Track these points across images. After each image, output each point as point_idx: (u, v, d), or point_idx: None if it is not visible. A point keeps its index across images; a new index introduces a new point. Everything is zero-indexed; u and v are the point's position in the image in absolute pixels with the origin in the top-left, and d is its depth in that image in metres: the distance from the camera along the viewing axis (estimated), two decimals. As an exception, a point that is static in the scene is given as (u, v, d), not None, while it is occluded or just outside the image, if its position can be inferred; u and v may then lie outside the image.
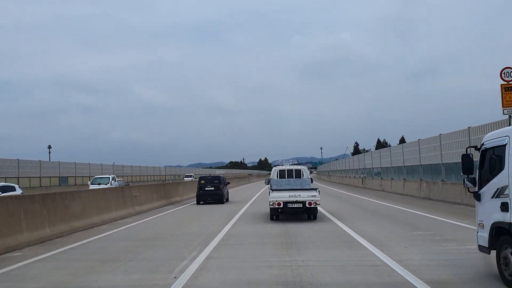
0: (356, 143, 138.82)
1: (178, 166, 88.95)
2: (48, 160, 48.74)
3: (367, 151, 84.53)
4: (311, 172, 32.81)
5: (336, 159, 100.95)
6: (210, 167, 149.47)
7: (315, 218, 15.93)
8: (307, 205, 15.39)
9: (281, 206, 15.49)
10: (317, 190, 15.87)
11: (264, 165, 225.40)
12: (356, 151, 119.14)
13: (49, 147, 59.78)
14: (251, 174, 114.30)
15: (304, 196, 15.56)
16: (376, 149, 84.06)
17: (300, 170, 18.25)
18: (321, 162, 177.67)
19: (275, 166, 22.03)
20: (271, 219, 16.05)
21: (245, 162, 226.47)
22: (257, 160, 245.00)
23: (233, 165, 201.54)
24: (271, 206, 15.64)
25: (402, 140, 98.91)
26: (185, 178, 71.35)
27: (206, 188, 25.59)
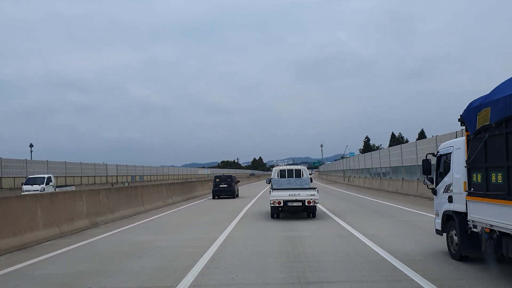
0: (366, 137, 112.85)
1: (172, 166, 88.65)
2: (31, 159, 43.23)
3: (378, 147, 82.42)
4: (311, 173, 35.14)
5: (342, 157, 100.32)
6: (203, 167, 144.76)
7: (314, 216, 16.46)
8: (306, 204, 15.88)
9: (281, 204, 15.97)
10: (316, 189, 16.33)
11: (258, 165, 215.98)
12: (367, 147, 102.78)
13: (31, 145, 57.45)
14: (253, 174, 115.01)
15: (303, 195, 16.01)
16: (389, 145, 78.08)
17: (300, 170, 18.73)
18: (319, 162, 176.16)
19: (275, 166, 24.18)
20: (272, 217, 16.52)
21: (239, 162, 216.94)
22: (252, 160, 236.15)
23: (225, 164, 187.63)
24: (272, 205, 16.14)
25: (422, 134, 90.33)
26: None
27: (221, 185, 30.20)
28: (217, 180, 30.83)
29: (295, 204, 15.94)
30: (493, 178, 6.85)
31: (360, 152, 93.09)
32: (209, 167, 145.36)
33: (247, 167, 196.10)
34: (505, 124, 6.49)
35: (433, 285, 6.63)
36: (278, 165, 22.16)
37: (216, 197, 29.99)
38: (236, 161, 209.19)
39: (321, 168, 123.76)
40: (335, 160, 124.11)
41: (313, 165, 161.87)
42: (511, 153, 6.38)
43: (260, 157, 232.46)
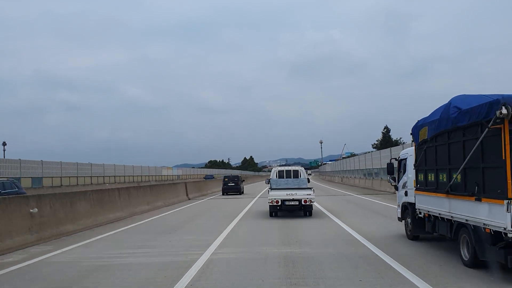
0: (386, 128, 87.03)
1: (164, 167, 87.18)
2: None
3: (397, 141, 79.88)
4: (310, 174, 38.39)
5: (342, 157, 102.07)
6: (193, 167, 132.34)
7: (310, 214, 17.04)
8: (303, 203, 16.44)
9: (279, 203, 16.53)
10: (312, 189, 16.94)
11: (249, 165, 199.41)
12: (386, 140, 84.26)
13: (4, 144, 56.25)
14: (211, 177, 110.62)
15: (300, 194, 16.55)
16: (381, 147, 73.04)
17: (298, 170, 19.50)
18: (316, 162, 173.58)
19: (268, 167, 26.99)
20: (270, 215, 17.06)
21: (230, 163, 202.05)
22: (242, 159, 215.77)
23: (213, 164, 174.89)
24: (270, 204, 16.72)
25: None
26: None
27: (229, 184, 35.70)
28: (226, 179, 36.45)
29: (292, 203, 16.55)
30: (429, 177, 9.53)
31: (377, 144, 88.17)
32: (199, 168, 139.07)
33: (238, 168, 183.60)
34: (435, 139, 9.16)
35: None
36: (270, 166, 24.55)
37: (225, 193, 35.28)
38: (225, 161, 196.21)
39: (321, 168, 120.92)
40: (330, 160, 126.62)
41: (309, 165, 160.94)
42: (439, 159, 9.05)
43: (251, 157, 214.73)
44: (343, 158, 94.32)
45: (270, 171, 21.53)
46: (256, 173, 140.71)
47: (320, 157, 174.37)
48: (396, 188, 12.28)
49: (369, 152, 59.92)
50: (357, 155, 71.00)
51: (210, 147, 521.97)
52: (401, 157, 12.13)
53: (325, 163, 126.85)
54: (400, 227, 12.25)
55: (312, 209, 17.20)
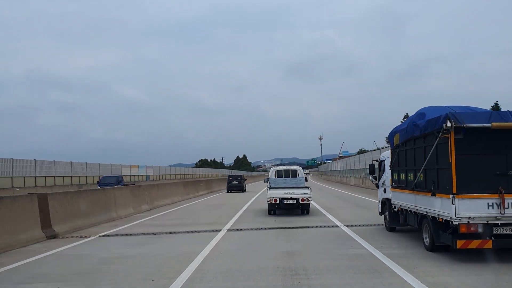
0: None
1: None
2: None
3: None
4: (308, 173, 40.52)
5: (340, 156, 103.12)
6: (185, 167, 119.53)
7: (307, 212, 17.50)
8: (300, 201, 16.90)
9: (278, 202, 16.97)
10: (309, 188, 17.46)
11: (242, 164, 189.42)
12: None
13: None
14: (251, 174, 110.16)
15: (298, 193, 16.97)
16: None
17: (296, 170, 19.98)
18: (314, 160, 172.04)
19: (263, 166, 28.76)
20: (269, 213, 17.57)
21: (224, 162, 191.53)
22: (235, 158, 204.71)
23: (203, 163, 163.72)
24: (269, 202, 17.14)
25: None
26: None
27: (233, 182, 39.42)
28: (230, 178, 40.31)
29: (290, 201, 16.99)
30: (401, 176, 11.16)
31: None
32: (192, 167, 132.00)
33: (230, 167, 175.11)
34: (405, 144, 10.79)
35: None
36: (265, 166, 25.82)
37: (229, 191, 38.86)
38: (216, 160, 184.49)
39: (320, 168, 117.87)
40: (327, 160, 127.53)
41: (306, 164, 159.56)
42: (408, 161, 10.67)
43: (244, 155, 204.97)
44: (340, 157, 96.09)
45: (265, 171, 22.83)
46: (249, 173, 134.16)
47: (317, 156, 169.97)
48: (377, 186, 13.93)
49: (362, 153, 62.45)
50: (353, 155, 73.63)
51: (205, 147, 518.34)
52: (381, 159, 13.77)
53: (325, 162, 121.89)
54: (381, 219, 13.89)
55: (309, 207, 17.78)
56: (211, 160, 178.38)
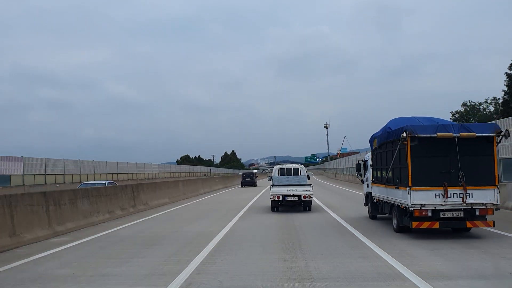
0: None
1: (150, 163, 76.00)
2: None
3: None
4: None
5: (339, 153, 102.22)
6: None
7: (309, 209, 18.16)
8: (302, 198, 17.55)
9: (280, 199, 17.58)
10: (311, 185, 18.20)
11: (230, 160, 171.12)
12: None
13: None
14: (237, 173, 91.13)
15: (300, 190, 17.61)
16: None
17: (298, 168, 20.77)
18: (314, 157, 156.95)
19: (255, 165, 31.16)
20: (272, 210, 18.25)
21: (213, 160, 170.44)
22: (223, 154, 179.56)
23: (184, 160, 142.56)
24: (272, 199, 17.81)
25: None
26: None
27: (246, 179, 47.89)
28: (244, 175, 48.94)
29: (293, 198, 17.60)
30: (378, 173, 13.76)
31: None
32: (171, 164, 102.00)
33: (215, 165, 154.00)
34: (380, 148, 13.39)
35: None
36: (258, 164, 27.24)
37: (243, 186, 47.21)
38: (202, 157, 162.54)
39: (327, 164, 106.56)
40: (323, 157, 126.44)
41: (305, 161, 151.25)
42: (382, 161, 13.26)
43: (233, 151, 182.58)
44: (338, 154, 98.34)
45: (257, 170, 24.49)
46: (236, 172, 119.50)
47: (305, 155, 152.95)
48: (362, 181, 16.55)
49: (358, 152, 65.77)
50: (354, 151, 76.46)
51: (197, 144, 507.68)
52: (365, 159, 16.38)
53: (332, 157, 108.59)
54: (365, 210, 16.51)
55: (311, 204, 18.32)
56: (194, 157, 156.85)
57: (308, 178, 19.72)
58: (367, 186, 15.71)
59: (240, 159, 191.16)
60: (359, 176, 17.23)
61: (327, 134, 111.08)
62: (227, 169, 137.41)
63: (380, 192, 13.55)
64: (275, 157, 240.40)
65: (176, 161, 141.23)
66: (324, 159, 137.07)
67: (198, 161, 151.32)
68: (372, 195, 14.63)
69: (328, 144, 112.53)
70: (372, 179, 14.60)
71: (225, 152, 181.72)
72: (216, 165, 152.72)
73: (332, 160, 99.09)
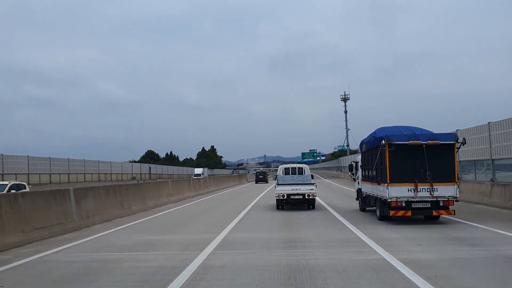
0: None
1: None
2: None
3: None
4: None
5: (342, 149, 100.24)
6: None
7: (313, 207, 18.76)
8: (306, 197, 18.14)
9: (285, 197, 18.15)
10: (315, 184, 18.78)
11: (208, 157, 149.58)
12: None
13: None
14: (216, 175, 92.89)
15: (304, 189, 18.19)
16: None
17: (302, 168, 21.20)
18: (314, 154, 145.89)
19: (245, 164, 33.05)
20: (277, 208, 18.87)
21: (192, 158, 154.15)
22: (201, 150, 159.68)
23: (148, 157, 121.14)
24: (277, 198, 18.42)
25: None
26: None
27: (259, 176, 59.63)
28: (257, 173, 62.22)
29: (297, 197, 18.20)
30: (366, 173, 16.56)
31: None
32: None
33: (189, 165, 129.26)
34: (368, 151, 16.18)
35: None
36: (247, 164, 28.14)
37: (257, 182, 57.58)
38: (174, 153, 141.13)
39: (342, 161, 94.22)
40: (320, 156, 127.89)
41: (303, 159, 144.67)
42: (369, 163, 16.04)
43: (212, 147, 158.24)
44: (335, 151, 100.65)
45: (243, 169, 25.71)
46: (214, 171, 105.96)
47: (302, 152, 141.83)
48: (354, 179, 19.37)
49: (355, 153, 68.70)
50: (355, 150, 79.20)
51: (187, 144, 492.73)
52: (356, 160, 19.20)
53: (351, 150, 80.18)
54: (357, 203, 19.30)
55: (314, 202, 18.95)
56: (166, 154, 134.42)
57: (312, 177, 20.49)
58: (358, 184, 18.50)
59: (221, 157, 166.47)
60: (352, 175, 20.05)
61: (346, 112, 77.89)
62: (198, 168, 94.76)
63: (367, 188, 16.35)
64: (265, 156, 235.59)
65: (140, 158, 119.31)
66: (336, 151, 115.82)
67: (169, 160, 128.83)
68: (362, 191, 17.43)
69: (347, 128, 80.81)
70: (362, 177, 17.39)
71: (203, 148, 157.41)
72: (190, 165, 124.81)
73: (352, 154, 67.44)
